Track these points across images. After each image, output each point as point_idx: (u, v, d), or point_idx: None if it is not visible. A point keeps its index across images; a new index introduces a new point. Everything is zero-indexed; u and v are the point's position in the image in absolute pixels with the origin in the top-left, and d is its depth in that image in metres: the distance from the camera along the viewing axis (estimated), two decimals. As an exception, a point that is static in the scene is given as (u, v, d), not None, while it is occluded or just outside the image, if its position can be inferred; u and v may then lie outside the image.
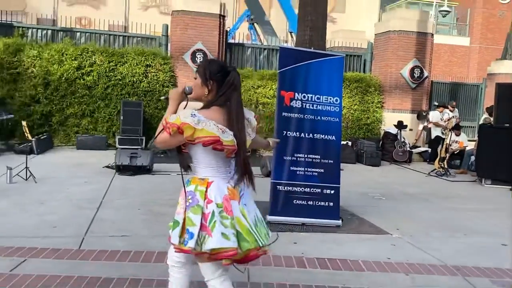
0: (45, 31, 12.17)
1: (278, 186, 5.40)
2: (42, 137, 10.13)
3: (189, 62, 11.85)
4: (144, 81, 11.54)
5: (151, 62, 11.66)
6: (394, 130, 12.15)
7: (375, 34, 13.95)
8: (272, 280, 3.70)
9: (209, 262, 2.42)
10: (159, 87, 11.66)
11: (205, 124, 2.33)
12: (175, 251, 2.54)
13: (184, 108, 2.47)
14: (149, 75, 11.62)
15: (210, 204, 2.37)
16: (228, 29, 14.81)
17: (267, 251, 2.62)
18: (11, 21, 12.42)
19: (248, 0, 18.04)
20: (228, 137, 2.37)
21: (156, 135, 2.43)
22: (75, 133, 11.13)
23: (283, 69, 5.37)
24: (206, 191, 2.39)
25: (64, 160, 9.14)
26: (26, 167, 6.95)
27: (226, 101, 2.47)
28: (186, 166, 2.58)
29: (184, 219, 2.40)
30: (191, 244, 2.33)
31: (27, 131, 7.97)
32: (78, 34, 12.36)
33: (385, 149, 12.04)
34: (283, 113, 5.40)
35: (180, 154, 2.55)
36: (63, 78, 10.96)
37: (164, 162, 9.32)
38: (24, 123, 8.31)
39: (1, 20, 12.17)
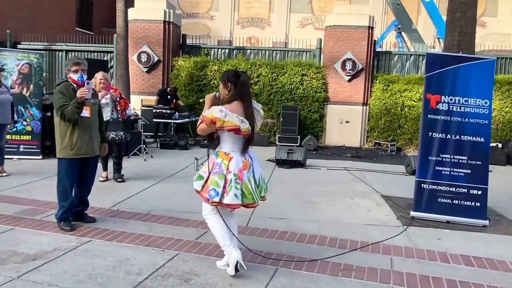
0: (223, 50, 13.27)
1: (422, 184, 5.03)
2: (219, 135, 11.06)
3: (339, 70, 11.74)
4: (300, 88, 11.79)
5: (306, 71, 11.86)
6: (551, 133, 10.30)
7: (531, 35, 12.01)
8: (414, 271, 3.47)
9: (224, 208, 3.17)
10: (313, 93, 11.79)
11: (230, 117, 3.03)
12: (196, 193, 3.25)
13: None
14: (304, 83, 11.83)
15: (229, 174, 3.08)
16: (376, 39, 14.25)
17: (265, 197, 3.37)
18: (199, 44, 13.83)
19: (395, 11, 17.03)
20: (245, 126, 3.09)
21: (197, 125, 3.17)
22: (244, 132, 11.90)
23: (430, 73, 4.97)
24: (228, 164, 3.09)
25: (236, 154, 9.83)
26: (208, 158, 7.66)
27: (241, 95, 3.14)
28: (214, 147, 3.27)
29: (208, 177, 3.14)
30: (216, 198, 3.07)
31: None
32: (248, 51, 13.19)
33: (541, 152, 10.27)
34: (429, 115, 5.00)
35: (211, 138, 3.27)
36: (236, 87, 11.80)
37: (315, 158, 9.42)
38: (207, 123, 9.20)
39: (192, 43, 13.63)
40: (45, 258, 3.41)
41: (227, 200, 3.06)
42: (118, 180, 6.30)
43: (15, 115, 6.72)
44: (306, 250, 3.83)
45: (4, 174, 6.33)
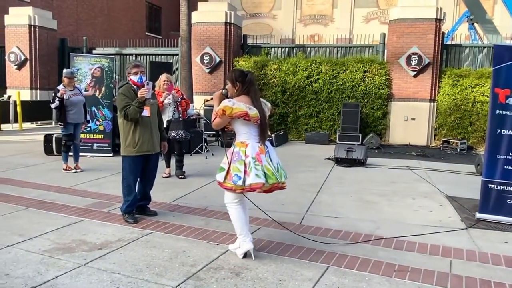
0: (283, 49, 13.32)
1: (489, 185, 4.71)
2: (279, 133, 11.15)
3: (404, 65, 11.29)
4: (362, 85, 11.50)
5: (369, 68, 11.54)
6: None
7: None
8: (475, 275, 3.29)
9: (248, 192, 3.50)
10: (375, 89, 11.45)
11: (238, 105, 3.36)
12: (218, 184, 3.56)
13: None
14: (366, 79, 11.52)
15: (247, 158, 3.38)
16: (446, 31, 13.49)
17: (284, 185, 3.57)
18: (260, 43, 14.01)
19: (467, 1, 15.96)
20: (253, 112, 3.40)
21: (212, 121, 3.49)
22: (304, 130, 11.88)
23: (498, 66, 4.64)
24: (245, 150, 3.40)
25: (295, 151, 9.84)
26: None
27: (248, 92, 3.49)
28: (227, 141, 3.65)
29: (229, 168, 3.41)
30: (239, 182, 3.34)
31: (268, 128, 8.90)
32: (309, 49, 13.12)
33: None
34: (497, 111, 4.66)
35: (223, 132, 3.68)
36: (296, 86, 11.80)
37: (377, 157, 9.17)
38: (266, 122, 9.33)
39: (253, 43, 13.84)
40: (109, 248, 3.69)
41: (249, 180, 3.33)
42: (180, 176, 6.59)
43: (88, 116, 7.30)
44: (358, 249, 3.77)
45: (78, 170, 6.90)
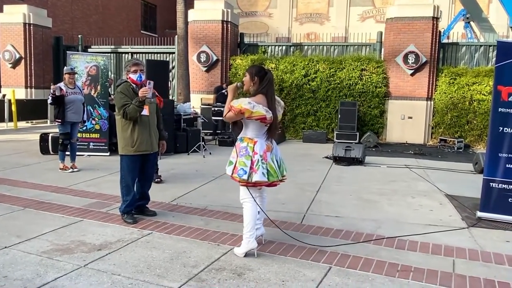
0: (281, 47, 13.28)
1: (491, 183, 4.70)
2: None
3: (401, 64, 11.29)
4: (359, 83, 11.49)
5: (366, 66, 11.53)
6: None
7: None
8: (478, 275, 3.26)
9: (251, 187, 3.53)
10: (373, 88, 11.44)
11: (258, 108, 3.39)
12: (231, 178, 3.58)
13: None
14: (364, 78, 11.51)
15: (256, 155, 3.46)
16: (442, 30, 13.52)
17: (284, 179, 3.74)
18: (256, 42, 13.96)
19: (464, 0, 16.04)
20: (269, 115, 3.44)
21: (224, 114, 3.51)
22: (302, 129, 11.84)
23: (501, 63, 4.62)
24: (253, 147, 3.47)
25: (293, 150, 9.79)
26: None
27: (267, 91, 3.50)
28: (237, 133, 3.65)
29: (236, 162, 3.48)
30: (244, 177, 3.42)
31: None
32: (306, 47, 13.08)
33: None
34: (500, 109, 4.64)
35: (234, 125, 3.67)
36: (294, 84, 11.76)
37: (375, 155, 9.15)
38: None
39: (250, 42, 13.78)
40: (109, 249, 3.63)
41: (255, 177, 3.44)
42: (156, 180, 6.00)
43: (85, 116, 7.21)
44: (361, 249, 3.74)
45: (75, 169, 6.82)
